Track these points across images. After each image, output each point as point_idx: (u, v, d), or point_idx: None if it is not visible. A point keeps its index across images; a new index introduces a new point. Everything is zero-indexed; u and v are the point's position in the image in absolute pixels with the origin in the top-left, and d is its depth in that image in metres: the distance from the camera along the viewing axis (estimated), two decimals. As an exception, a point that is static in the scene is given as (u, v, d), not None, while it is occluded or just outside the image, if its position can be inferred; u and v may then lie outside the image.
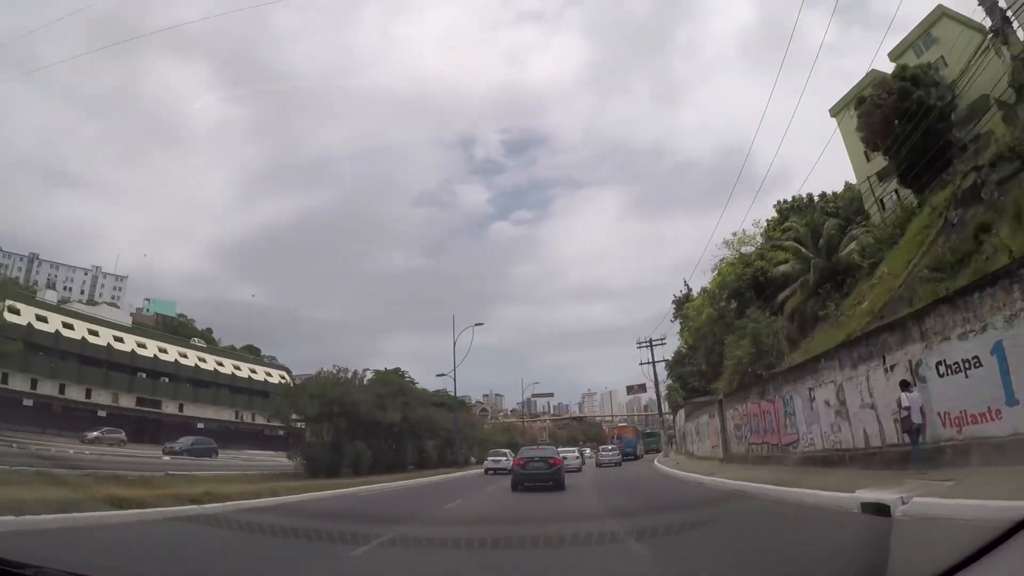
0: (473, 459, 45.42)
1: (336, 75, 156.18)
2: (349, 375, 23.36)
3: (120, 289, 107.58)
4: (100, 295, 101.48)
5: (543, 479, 16.39)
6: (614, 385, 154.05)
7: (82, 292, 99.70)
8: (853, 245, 33.00)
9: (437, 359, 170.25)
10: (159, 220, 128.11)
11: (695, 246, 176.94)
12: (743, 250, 43.03)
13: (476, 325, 35.25)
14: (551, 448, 22.02)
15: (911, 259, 25.28)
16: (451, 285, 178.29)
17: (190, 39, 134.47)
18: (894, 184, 42.15)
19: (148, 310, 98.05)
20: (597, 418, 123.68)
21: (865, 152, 48.27)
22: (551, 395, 70.22)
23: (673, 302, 70.19)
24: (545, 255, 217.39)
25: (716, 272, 42.94)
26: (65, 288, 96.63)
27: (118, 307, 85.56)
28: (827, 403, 13.04)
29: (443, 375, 34.24)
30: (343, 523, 9.91)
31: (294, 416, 20.88)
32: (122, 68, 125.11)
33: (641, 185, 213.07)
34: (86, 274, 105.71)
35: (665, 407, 74.38)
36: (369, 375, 26.88)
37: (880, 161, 46.71)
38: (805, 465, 13.67)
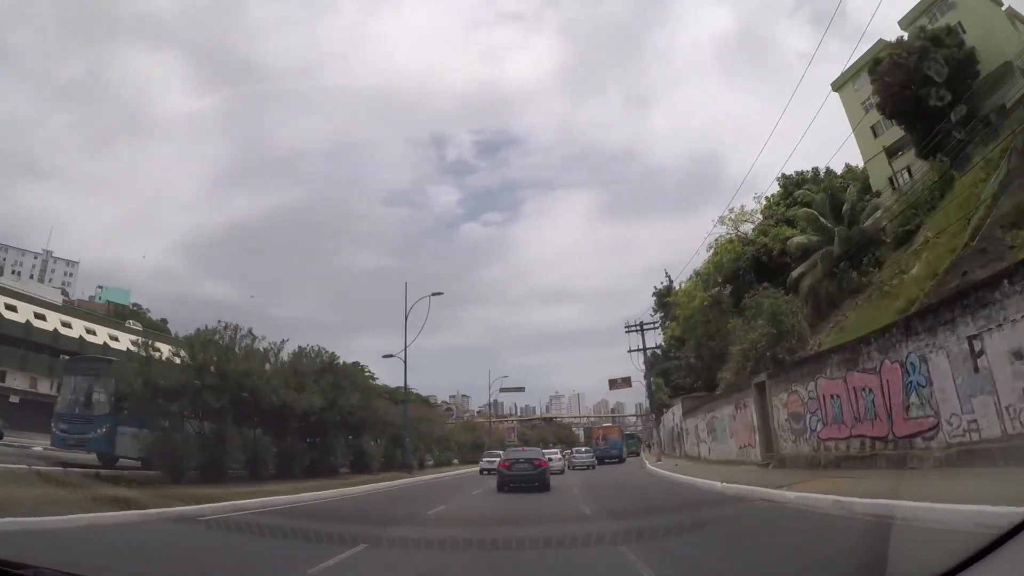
0: (430, 461, 38.96)
1: (310, 69, 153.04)
2: (239, 336, 16.53)
3: (71, 275, 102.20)
4: (50, 280, 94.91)
5: (529, 480, 16.51)
6: (582, 388, 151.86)
7: (31, 276, 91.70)
8: (878, 214, 28.30)
9: (411, 358, 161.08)
10: (126, 213, 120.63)
11: (664, 251, 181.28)
12: (741, 228, 38.25)
13: (434, 295, 29.20)
14: (536, 449, 22.13)
15: (970, 216, 20.59)
16: (420, 285, 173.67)
17: (163, 28, 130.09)
18: (908, 157, 38.21)
19: (100, 297, 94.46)
20: (566, 419, 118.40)
21: (872, 127, 44.52)
22: (522, 389, 64.39)
23: (654, 294, 65.64)
24: (514, 257, 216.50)
25: (712, 252, 37.97)
26: (14, 272, 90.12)
27: (64, 290, 77.88)
28: (1017, 356, 7.63)
29: (391, 356, 27.75)
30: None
31: (151, 390, 13.95)
32: (93, 56, 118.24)
33: (612, 189, 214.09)
34: (36, 258, 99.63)
35: (643, 408, 68.97)
36: (289, 351, 20.21)
37: (890, 135, 42.91)
38: (967, 465, 8.21)
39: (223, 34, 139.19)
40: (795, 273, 28.68)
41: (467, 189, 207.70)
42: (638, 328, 58.12)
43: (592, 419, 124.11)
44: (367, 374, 51.59)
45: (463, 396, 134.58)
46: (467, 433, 57.27)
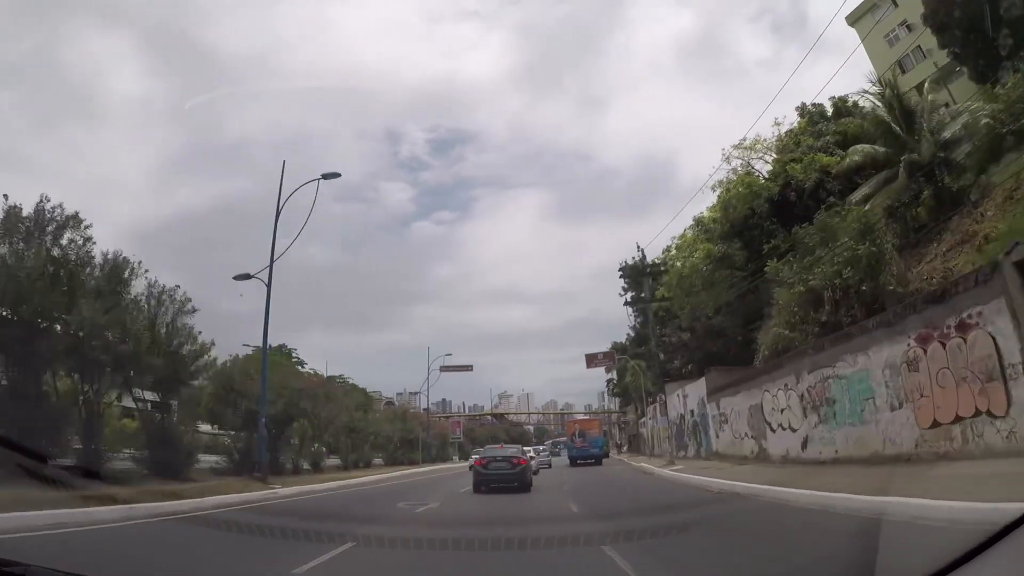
0: (306, 466, 25.32)
1: (264, 55, 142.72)
2: None
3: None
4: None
5: (507, 480, 15.73)
6: (531, 388, 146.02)
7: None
8: (959, 126, 20.47)
9: (359, 357, 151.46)
10: (71, 198, 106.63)
11: (613, 255, 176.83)
12: (756, 165, 30.08)
13: (327, 176, 19.22)
14: (515, 447, 20.26)
15: None
16: (369, 282, 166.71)
17: (117, 5, 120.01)
18: (943, 96, 31.36)
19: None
20: (514, 415, 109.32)
21: (899, 62, 37.80)
22: (469, 368, 53.86)
23: (621, 271, 57.50)
24: (465, 256, 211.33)
25: (722, 190, 29.56)
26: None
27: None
28: None
29: (246, 276, 16.79)
30: None
31: None
32: (44, 33, 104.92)
33: (564, 189, 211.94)
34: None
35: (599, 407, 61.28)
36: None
37: (923, 70, 36.25)
38: None
39: (176, 15, 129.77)
40: (857, 196, 20.51)
41: (420, 186, 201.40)
42: (641, 268, 48.70)
43: (543, 415, 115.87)
44: (295, 360, 43.17)
45: (411, 394, 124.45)
46: (393, 422, 43.10)
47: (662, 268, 42.15)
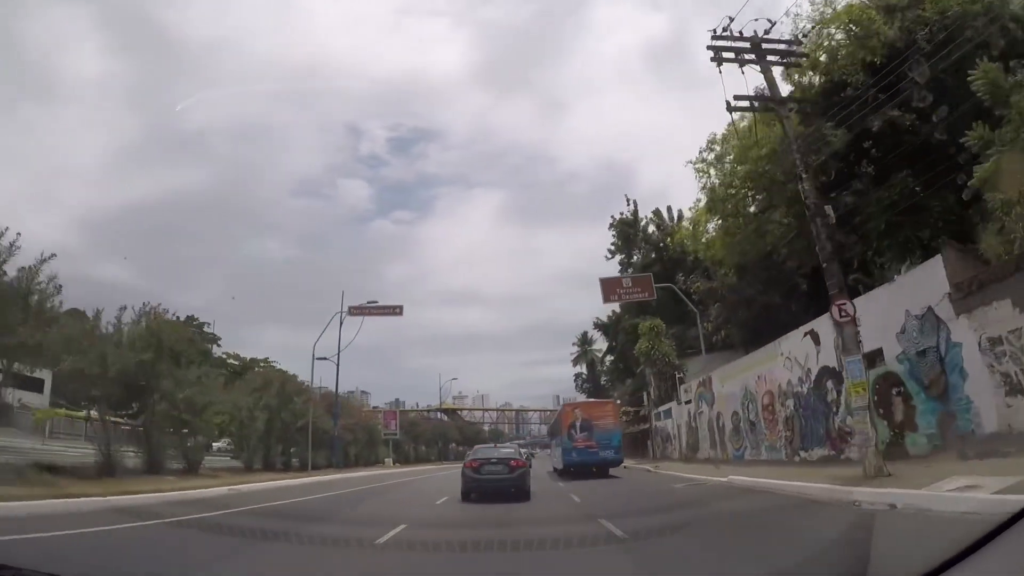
0: (178, 465, 19.15)
1: (226, 41, 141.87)
2: None
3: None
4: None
5: (503, 485, 13.60)
6: (487, 391, 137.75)
7: None
8: None
9: (310, 353, 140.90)
10: (22, 183, 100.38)
11: (572, 260, 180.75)
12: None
13: None
14: (512, 447, 18.37)
15: None
16: (326, 279, 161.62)
17: None
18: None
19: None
20: (467, 411, 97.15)
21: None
22: (398, 311, 38.35)
23: (612, 226, 47.28)
24: (423, 256, 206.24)
25: (815, 31, 19.00)
26: None
27: None
28: None
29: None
30: None
31: None
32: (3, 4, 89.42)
33: (523, 192, 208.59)
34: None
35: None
36: None
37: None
38: None
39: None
40: None
41: (380, 183, 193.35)
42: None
43: (492, 422, 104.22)
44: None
45: (362, 392, 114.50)
46: (260, 398, 27.54)
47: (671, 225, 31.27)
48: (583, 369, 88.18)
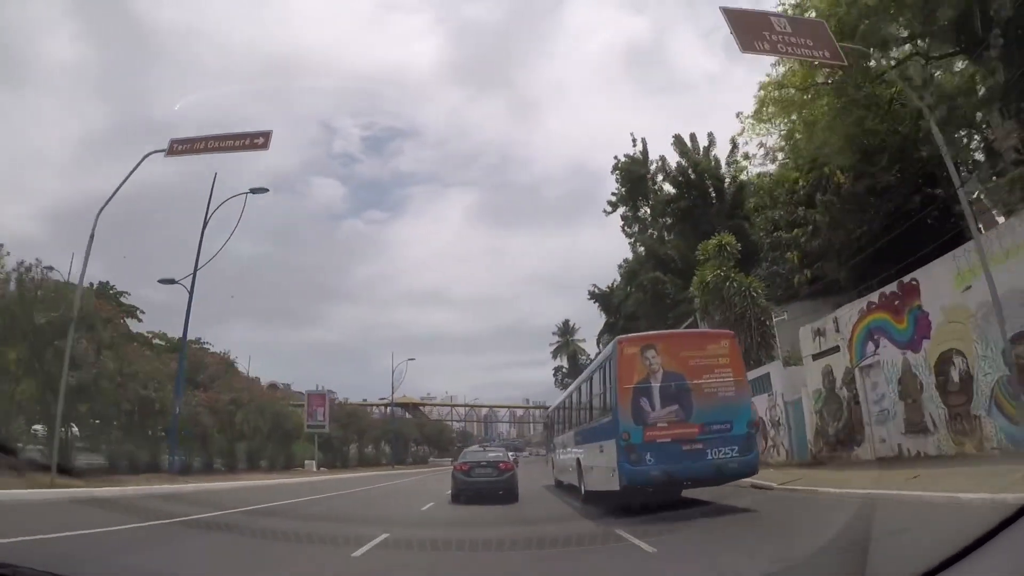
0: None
1: (201, 31, 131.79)
2: None
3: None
4: None
5: (492, 488, 13.97)
6: (455, 392, 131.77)
7: None
8: None
9: (280, 354, 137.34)
10: None
11: (543, 263, 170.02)
12: None
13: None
14: (501, 450, 17.93)
15: None
16: (296, 276, 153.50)
17: None
18: None
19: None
20: (428, 405, 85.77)
21: None
22: (261, 140, 26.61)
23: (616, 168, 37.11)
24: (393, 256, 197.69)
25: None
26: None
27: None
28: None
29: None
30: None
31: None
32: None
33: (496, 193, 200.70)
34: None
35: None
36: None
37: None
38: None
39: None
40: None
41: (353, 181, 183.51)
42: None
43: (462, 419, 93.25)
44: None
45: (328, 390, 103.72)
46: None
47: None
48: (564, 362, 78.24)
